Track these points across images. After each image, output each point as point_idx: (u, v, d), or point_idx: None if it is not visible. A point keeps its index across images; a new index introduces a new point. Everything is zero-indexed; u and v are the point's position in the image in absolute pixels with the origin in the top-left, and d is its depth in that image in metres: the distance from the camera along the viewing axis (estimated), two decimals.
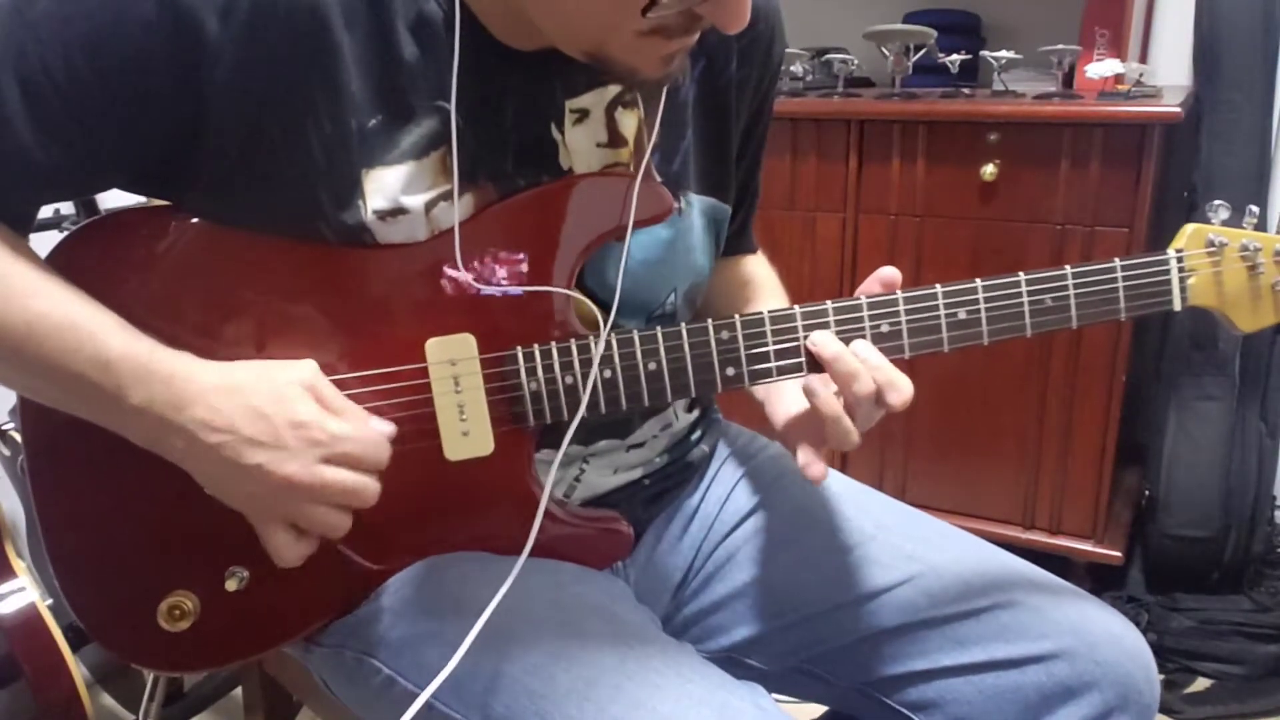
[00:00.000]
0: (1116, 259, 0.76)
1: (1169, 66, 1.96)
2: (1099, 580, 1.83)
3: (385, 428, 0.71)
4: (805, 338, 0.74)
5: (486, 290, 0.74)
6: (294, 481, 0.67)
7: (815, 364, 0.74)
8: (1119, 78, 1.67)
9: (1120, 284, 0.76)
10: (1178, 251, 0.77)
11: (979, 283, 0.75)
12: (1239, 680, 1.69)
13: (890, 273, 0.75)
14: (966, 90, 1.85)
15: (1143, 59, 1.96)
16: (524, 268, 0.75)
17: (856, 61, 1.90)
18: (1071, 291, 0.76)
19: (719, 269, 0.92)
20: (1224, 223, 0.78)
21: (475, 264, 0.74)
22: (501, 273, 0.74)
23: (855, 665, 0.84)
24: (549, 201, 0.76)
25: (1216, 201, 0.78)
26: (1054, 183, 1.63)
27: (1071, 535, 1.78)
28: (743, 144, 0.90)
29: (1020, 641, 0.79)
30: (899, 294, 0.75)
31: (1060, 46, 1.71)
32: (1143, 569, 1.87)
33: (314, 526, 0.70)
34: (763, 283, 0.99)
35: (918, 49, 1.80)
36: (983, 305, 0.75)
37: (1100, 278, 0.76)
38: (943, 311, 0.75)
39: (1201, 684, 1.70)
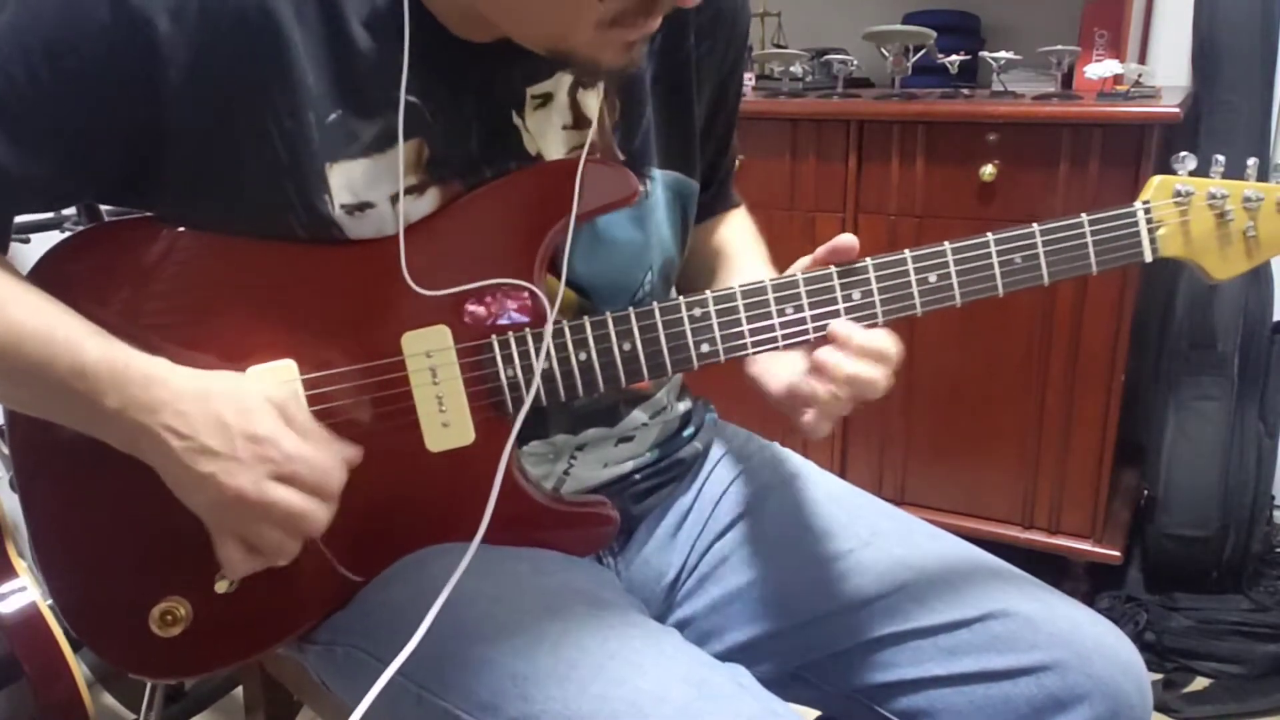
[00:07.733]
0: (1084, 214, 0.76)
1: (1168, 67, 1.95)
2: (1097, 580, 1.83)
3: (349, 452, 0.71)
4: (814, 326, 0.75)
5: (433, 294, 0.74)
6: (242, 495, 0.67)
7: (791, 337, 0.76)
8: (1118, 78, 1.67)
9: (1089, 239, 0.76)
10: (1145, 203, 0.77)
11: (947, 245, 0.76)
12: (1237, 679, 1.69)
13: (847, 240, 0.75)
14: (966, 91, 1.85)
15: (1141, 60, 1.96)
16: (485, 264, 0.75)
17: (856, 62, 1.89)
18: (1041, 249, 0.76)
19: (697, 235, 0.92)
20: (1190, 173, 0.77)
21: (439, 261, 0.74)
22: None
23: (846, 672, 0.85)
24: (511, 191, 0.76)
25: (1182, 153, 0.77)
26: (1053, 183, 1.62)
27: (1070, 535, 1.78)
28: (711, 118, 0.90)
29: (1012, 653, 0.79)
30: (869, 261, 0.75)
31: (1059, 47, 1.71)
32: (1141, 568, 1.87)
33: (261, 546, 0.70)
34: (733, 253, 0.97)
35: (917, 50, 1.79)
36: (953, 268, 0.76)
37: (1069, 234, 0.76)
38: (913, 276, 0.76)
39: (1200, 683, 1.70)
